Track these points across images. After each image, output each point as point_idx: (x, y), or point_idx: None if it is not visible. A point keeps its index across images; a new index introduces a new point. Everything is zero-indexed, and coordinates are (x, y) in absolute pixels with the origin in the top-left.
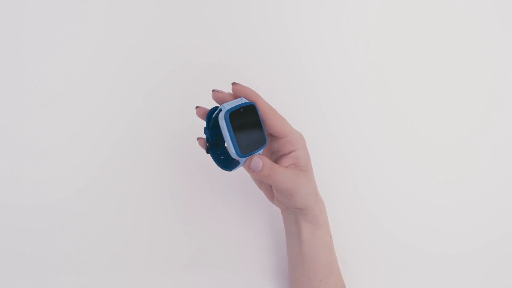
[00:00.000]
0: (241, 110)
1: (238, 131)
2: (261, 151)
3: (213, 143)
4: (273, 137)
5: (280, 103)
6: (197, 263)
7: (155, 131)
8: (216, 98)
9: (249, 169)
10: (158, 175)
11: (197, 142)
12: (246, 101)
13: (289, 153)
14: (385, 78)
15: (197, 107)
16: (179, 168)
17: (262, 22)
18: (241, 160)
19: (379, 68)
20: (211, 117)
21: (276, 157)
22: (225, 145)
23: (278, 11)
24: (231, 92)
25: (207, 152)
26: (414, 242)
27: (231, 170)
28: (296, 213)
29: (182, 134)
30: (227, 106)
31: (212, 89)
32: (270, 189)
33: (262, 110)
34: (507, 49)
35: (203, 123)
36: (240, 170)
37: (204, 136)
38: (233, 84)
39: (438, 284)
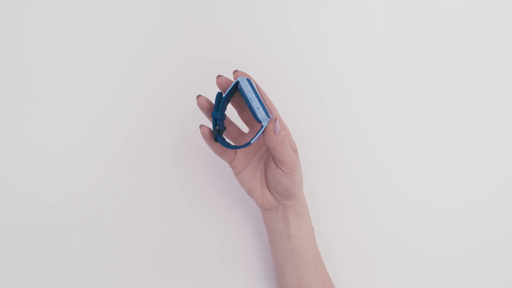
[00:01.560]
0: (252, 82)
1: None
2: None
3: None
4: None
5: (283, 101)
6: (196, 263)
7: (154, 134)
8: (221, 84)
9: (270, 133)
10: (156, 176)
11: (194, 147)
12: None
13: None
14: (388, 76)
15: (198, 96)
16: (177, 170)
17: (265, 21)
18: (265, 122)
19: (381, 67)
20: (219, 100)
21: None
22: (253, 107)
23: (281, 8)
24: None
25: (215, 140)
26: (413, 242)
27: (250, 143)
28: (286, 205)
29: (179, 136)
30: (243, 78)
31: (217, 75)
32: (259, 185)
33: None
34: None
35: (199, 122)
36: (229, 175)
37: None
38: (235, 71)
39: (437, 284)
